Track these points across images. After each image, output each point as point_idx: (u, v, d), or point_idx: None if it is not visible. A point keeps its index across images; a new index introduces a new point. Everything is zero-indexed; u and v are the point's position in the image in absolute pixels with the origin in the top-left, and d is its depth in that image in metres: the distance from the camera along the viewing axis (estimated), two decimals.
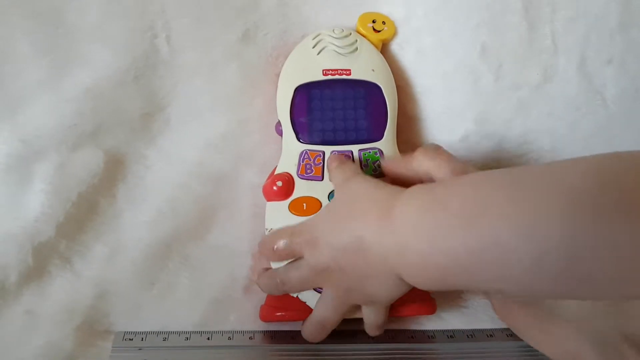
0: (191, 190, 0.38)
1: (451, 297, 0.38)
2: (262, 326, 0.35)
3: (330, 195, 0.35)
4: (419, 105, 0.41)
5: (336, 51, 0.39)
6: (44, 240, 0.34)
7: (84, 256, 0.35)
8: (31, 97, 0.35)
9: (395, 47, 0.42)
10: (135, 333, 0.34)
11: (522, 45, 0.40)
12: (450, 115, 0.41)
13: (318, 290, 0.33)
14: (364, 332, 0.34)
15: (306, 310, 0.33)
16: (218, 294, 0.36)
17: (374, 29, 0.41)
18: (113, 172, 0.37)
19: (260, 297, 0.36)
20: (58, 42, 0.36)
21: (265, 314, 0.35)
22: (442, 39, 0.40)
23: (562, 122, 0.40)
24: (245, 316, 0.36)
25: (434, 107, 0.41)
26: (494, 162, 0.41)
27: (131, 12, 0.38)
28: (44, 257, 0.34)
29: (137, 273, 0.36)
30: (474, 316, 0.38)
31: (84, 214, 0.36)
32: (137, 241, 0.36)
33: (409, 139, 0.41)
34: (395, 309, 0.34)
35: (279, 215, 0.35)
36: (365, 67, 0.39)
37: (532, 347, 0.33)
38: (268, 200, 0.36)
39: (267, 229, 0.35)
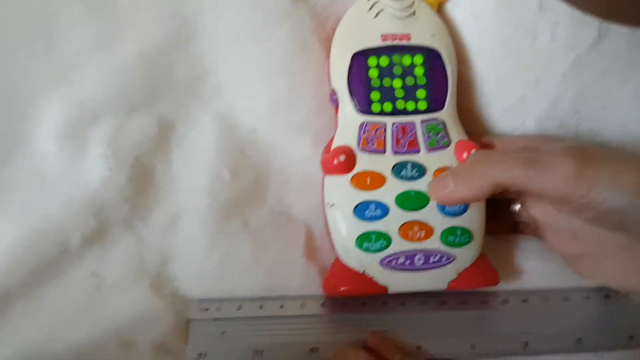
0: (246, 157, 0.37)
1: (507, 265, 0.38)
2: None
3: (394, 168, 0.34)
4: (474, 69, 0.40)
5: (394, 14, 0.36)
6: (106, 203, 0.34)
7: (146, 220, 0.35)
8: (85, 60, 0.34)
9: (449, 6, 0.39)
10: (210, 301, 0.34)
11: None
12: (506, 78, 0.39)
13: (386, 263, 0.33)
14: (434, 298, 0.35)
15: (372, 285, 0.33)
16: (279, 259, 0.36)
17: None
18: (168, 136, 0.36)
19: (322, 262, 0.36)
20: (109, 6, 0.35)
21: (329, 288, 0.35)
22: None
23: (614, 80, 0.39)
24: (309, 282, 0.36)
25: (490, 70, 0.39)
26: (547, 120, 0.40)
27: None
28: (107, 220, 0.34)
29: (198, 239, 0.35)
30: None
31: (143, 179, 0.35)
32: (195, 207, 0.36)
33: (464, 104, 0.40)
34: (457, 281, 0.34)
35: (340, 190, 0.34)
36: (425, 31, 0.37)
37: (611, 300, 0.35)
38: (327, 174, 0.35)
39: (328, 204, 0.35)
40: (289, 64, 0.38)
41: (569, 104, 0.40)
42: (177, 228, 0.36)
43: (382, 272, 0.33)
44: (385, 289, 0.33)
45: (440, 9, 0.39)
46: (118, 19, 0.36)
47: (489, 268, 0.35)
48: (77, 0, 0.34)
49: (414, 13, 0.37)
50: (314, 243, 0.37)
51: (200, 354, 0.33)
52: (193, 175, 0.36)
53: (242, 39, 0.37)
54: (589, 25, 0.38)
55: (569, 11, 0.38)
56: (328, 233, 0.35)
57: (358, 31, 0.36)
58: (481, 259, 0.35)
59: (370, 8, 0.37)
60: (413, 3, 0.37)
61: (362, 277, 0.34)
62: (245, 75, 0.38)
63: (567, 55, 0.38)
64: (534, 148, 0.34)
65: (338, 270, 0.34)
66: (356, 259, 0.34)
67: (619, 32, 0.38)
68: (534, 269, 0.38)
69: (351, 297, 0.35)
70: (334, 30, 0.37)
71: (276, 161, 0.38)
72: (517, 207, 0.37)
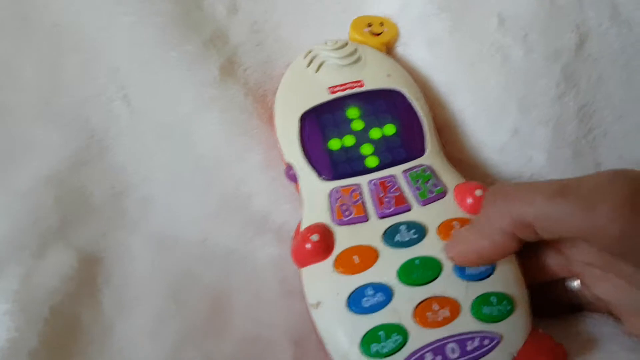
0: (195, 278, 0.29)
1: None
2: None
3: (385, 236, 0.26)
4: (450, 109, 0.33)
5: (338, 64, 0.31)
6: None
7: None
8: None
9: (400, 48, 0.34)
10: None
11: (543, 5, 0.33)
12: (489, 110, 0.33)
13: None
14: None
15: None
16: None
17: (372, 33, 0.33)
18: (92, 273, 0.29)
19: None
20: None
21: None
22: (452, 20, 0.33)
23: (615, 82, 0.33)
24: None
25: (467, 106, 0.33)
26: (557, 150, 0.33)
27: (77, 78, 0.31)
28: None
29: None
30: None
31: (64, 334, 0.27)
32: (140, 356, 0.26)
33: (453, 153, 0.32)
34: None
35: (323, 281, 0.25)
36: (378, 73, 0.31)
37: None
38: (302, 266, 0.26)
39: (313, 305, 0.25)
40: (227, 153, 0.31)
41: (574, 123, 0.33)
42: None
43: None
44: None
45: (389, 53, 0.34)
46: (15, 142, 0.30)
47: (549, 342, 0.25)
48: None
49: (359, 59, 0.31)
50: None
51: None
52: (130, 316, 0.28)
53: (164, 136, 0.31)
54: (564, 27, 0.33)
55: (535, 18, 0.33)
56: (322, 345, 0.25)
57: (301, 91, 0.31)
58: (535, 332, 0.25)
59: (309, 64, 0.31)
60: (356, 49, 0.32)
61: None
62: (179, 178, 0.31)
63: (551, 67, 0.33)
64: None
65: None
66: None
67: (601, 29, 0.33)
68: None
69: None
70: None
71: (237, 273, 0.29)
72: (576, 283, 0.27)
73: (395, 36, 0.34)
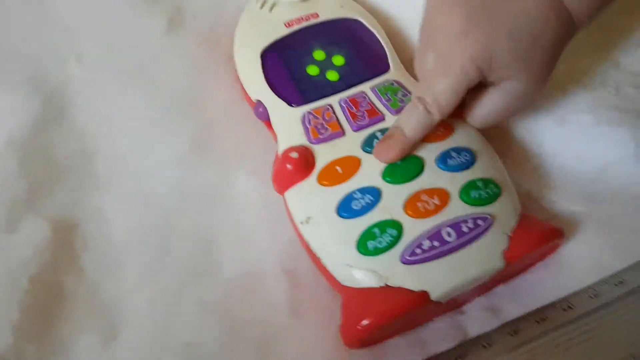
0: (178, 224, 0.27)
1: None
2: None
3: (364, 144, 0.26)
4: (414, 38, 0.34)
5: (291, 1, 0.31)
6: (1, 353, 0.23)
7: (68, 356, 0.24)
8: None
9: None
10: None
11: None
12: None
13: (409, 256, 0.23)
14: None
15: (406, 298, 0.22)
16: (258, 332, 0.25)
17: None
18: (68, 239, 0.27)
19: (318, 318, 0.25)
20: None
21: (350, 333, 0.23)
22: None
23: None
24: (306, 345, 0.25)
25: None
26: None
27: (29, 39, 0.30)
28: None
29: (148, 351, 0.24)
30: None
31: (47, 303, 0.25)
32: (135, 317, 0.25)
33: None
34: (513, 247, 0.24)
35: (309, 197, 0.25)
36: (331, 5, 0.31)
37: None
38: (285, 189, 0.26)
39: (302, 222, 0.25)
40: (193, 99, 0.31)
41: None
42: (117, 349, 0.25)
43: (410, 272, 0.23)
44: (425, 295, 0.23)
45: None
46: None
47: (542, 221, 0.26)
48: None
49: None
50: (302, 292, 0.26)
51: None
52: (116, 276, 0.26)
53: (124, 90, 0.30)
54: None
55: None
56: (316, 263, 0.25)
57: (258, 31, 0.30)
58: (525, 214, 0.25)
59: (262, 5, 0.31)
60: None
61: (388, 293, 0.23)
62: (144, 130, 0.30)
63: None
64: None
65: (352, 302, 0.23)
66: (367, 271, 0.23)
67: None
68: None
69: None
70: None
71: (218, 212, 0.28)
72: None
73: None
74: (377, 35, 0.31)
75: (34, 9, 0.31)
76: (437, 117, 0.25)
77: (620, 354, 0.24)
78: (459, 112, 0.26)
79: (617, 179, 0.29)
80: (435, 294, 0.23)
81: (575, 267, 0.27)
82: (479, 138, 0.27)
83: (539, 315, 0.25)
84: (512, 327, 0.25)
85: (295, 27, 0.30)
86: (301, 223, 0.25)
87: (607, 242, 0.27)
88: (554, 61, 0.25)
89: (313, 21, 0.30)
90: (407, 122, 0.25)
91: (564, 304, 0.26)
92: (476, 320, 0.26)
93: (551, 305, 0.26)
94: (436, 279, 0.23)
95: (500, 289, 0.27)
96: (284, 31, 0.30)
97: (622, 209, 0.28)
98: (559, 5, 0.24)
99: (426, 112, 0.25)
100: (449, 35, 0.24)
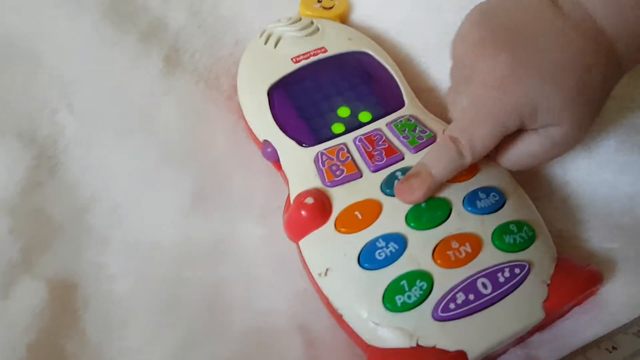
0: (184, 278, 0.25)
1: None
2: None
3: (384, 185, 0.24)
4: (428, 74, 0.32)
5: (296, 36, 0.30)
6: None
7: None
8: None
9: (363, 18, 0.33)
10: None
11: None
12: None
13: (442, 311, 0.21)
14: None
15: (441, 358, 0.20)
16: None
17: (323, 8, 0.33)
18: (67, 300, 0.25)
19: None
20: None
21: None
22: None
23: None
24: None
25: (434, 60, 0.32)
26: None
27: (19, 92, 0.28)
28: None
29: None
30: None
31: None
32: None
33: (440, 113, 0.31)
34: (552, 297, 0.21)
35: (327, 246, 0.23)
36: (338, 39, 0.30)
37: None
38: (300, 237, 0.24)
39: (320, 274, 0.23)
40: (192, 145, 0.29)
41: None
42: None
43: (444, 329, 0.20)
44: (462, 355, 0.20)
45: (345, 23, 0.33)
46: None
47: (579, 265, 0.24)
48: None
49: (317, 29, 0.30)
50: (318, 350, 0.24)
51: None
52: (121, 337, 0.24)
53: (119, 139, 0.28)
54: None
55: None
56: (337, 319, 0.23)
57: (263, 68, 0.29)
58: (562, 257, 0.23)
59: (267, 41, 0.30)
60: (312, 22, 0.31)
61: (420, 354, 0.20)
62: (143, 181, 0.28)
63: None
64: None
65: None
66: (396, 329, 0.21)
67: None
68: None
69: None
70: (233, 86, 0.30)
71: (227, 265, 0.26)
72: None
73: (347, 7, 0.33)
74: (389, 68, 0.29)
75: (21, 60, 0.29)
76: (468, 160, 0.23)
77: None
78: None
79: None
80: (473, 353, 0.20)
81: (615, 308, 0.25)
82: (506, 176, 0.25)
83: (582, 358, 0.23)
84: None
85: (303, 62, 0.29)
86: (319, 275, 0.23)
87: None
88: (600, 106, 0.24)
89: (321, 56, 0.29)
90: (436, 161, 0.23)
91: (607, 344, 0.23)
92: None
93: (595, 346, 0.23)
94: (473, 336, 0.20)
95: (537, 337, 0.24)
96: (292, 67, 0.28)
97: None
98: (610, 52, 0.23)
99: (458, 154, 0.23)
100: (493, 80, 0.22)
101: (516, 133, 0.24)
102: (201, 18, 0.32)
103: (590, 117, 0.23)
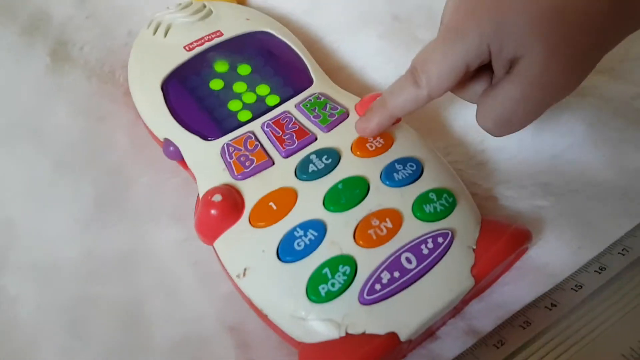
0: (94, 294, 0.23)
1: None
2: None
3: (298, 172, 0.22)
4: (339, 53, 0.31)
5: (187, 22, 0.27)
6: None
7: None
8: None
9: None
10: None
11: None
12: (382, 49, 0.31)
13: (368, 295, 0.19)
14: None
15: (373, 344, 0.19)
16: None
17: None
18: None
19: None
20: None
21: None
22: None
23: None
24: None
25: (357, 45, 0.30)
26: None
27: None
28: None
29: None
30: None
31: None
32: None
33: (353, 89, 0.30)
34: (480, 262, 0.21)
35: (242, 243, 0.21)
36: (235, 20, 0.28)
37: None
38: (213, 238, 0.22)
39: (238, 275, 0.21)
40: (89, 147, 0.26)
41: None
42: None
43: (373, 313, 0.19)
44: (394, 337, 0.19)
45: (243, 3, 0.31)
46: None
47: (506, 225, 0.23)
48: None
49: (210, 12, 0.28)
50: (252, 351, 0.22)
51: None
52: None
53: (8, 147, 0.25)
54: None
55: None
56: (264, 318, 0.21)
57: (153, 60, 0.26)
58: (486, 220, 0.23)
59: (155, 31, 0.27)
60: (204, 5, 0.29)
61: (351, 343, 0.19)
62: (39, 192, 0.25)
63: None
64: None
65: (311, 359, 0.20)
66: (323, 321, 0.19)
67: None
68: None
69: None
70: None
71: (141, 275, 0.24)
72: None
73: None
74: (293, 46, 0.27)
75: None
76: (424, 92, 0.21)
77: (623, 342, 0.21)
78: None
79: (569, 166, 0.27)
80: (405, 333, 0.19)
81: (551, 267, 0.25)
82: (422, 143, 0.24)
83: (523, 319, 0.23)
84: (497, 338, 0.22)
85: (198, 49, 0.26)
86: (237, 277, 0.21)
87: (576, 233, 0.25)
88: (594, 48, 0.20)
89: (217, 40, 0.27)
90: (392, 93, 0.21)
91: (547, 302, 0.23)
92: (454, 343, 0.23)
93: (534, 306, 0.23)
94: (404, 316, 0.19)
95: (478, 306, 0.24)
96: (185, 56, 0.26)
97: (580, 196, 0.26)
98: None
99: (414, 84, 0.21)
100: (456, 4, 0.21)
101: (493, 87, 0.21)
102: (90, 7, 0.29)
103: (571, 56, 0.20)
